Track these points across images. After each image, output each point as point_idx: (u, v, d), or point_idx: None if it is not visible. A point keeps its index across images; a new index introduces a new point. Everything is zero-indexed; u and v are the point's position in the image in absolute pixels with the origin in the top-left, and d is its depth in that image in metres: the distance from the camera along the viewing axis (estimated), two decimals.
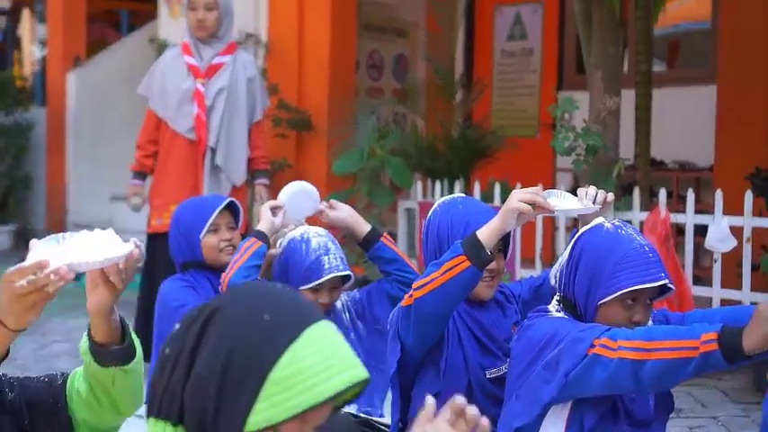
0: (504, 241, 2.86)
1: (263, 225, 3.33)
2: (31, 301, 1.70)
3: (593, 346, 2.30)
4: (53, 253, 1.70)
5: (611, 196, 2.73)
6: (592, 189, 2.71)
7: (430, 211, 3.00)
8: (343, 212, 3.41)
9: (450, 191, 6.19)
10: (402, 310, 2.66)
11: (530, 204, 2.51)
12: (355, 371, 1.35)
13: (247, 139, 5.27)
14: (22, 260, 1.71)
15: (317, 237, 3.29)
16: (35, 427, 1.94)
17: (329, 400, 1.31)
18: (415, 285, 2.61)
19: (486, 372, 2.90)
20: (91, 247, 1.74)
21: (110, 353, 1.88)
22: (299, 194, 3.48)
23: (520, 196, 2.53)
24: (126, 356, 1.89)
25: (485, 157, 6.93)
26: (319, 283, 3.24)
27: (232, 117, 5.18)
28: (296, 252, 3.28)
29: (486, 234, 2.54)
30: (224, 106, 5.14)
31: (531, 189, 2.59)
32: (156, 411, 1.36)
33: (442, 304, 2.59)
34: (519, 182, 5.73)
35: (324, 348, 1.33)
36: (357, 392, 1.41)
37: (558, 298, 2.58)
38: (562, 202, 2.66)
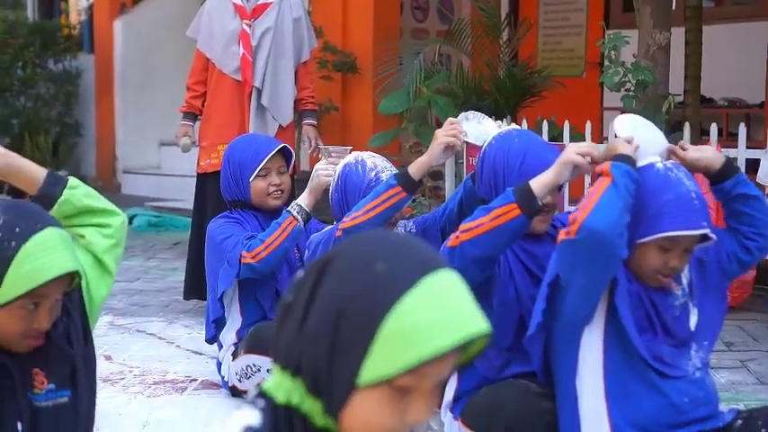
0: None
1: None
2: None
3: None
4: None
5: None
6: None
7: (485, 144, 3.00)
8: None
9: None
10: (446, 251, 2.68)
11: (585, 157, 2.56)
12: (474, 325, 1.26)
13: (294, 80, 5.27)
14: None
15: (371, 157, 3.35)
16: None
17: (446, 355, 1.24)
18: (462, 228, 2.64)
19: None
20: None
21: (39, 196, 2.24)
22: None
23: (576, 149, 2.57)
24: (53, 187, 2.28)
25: (531, 97, 6.88)
26: None
27: (278, 57, 5.18)
28: (352, 174, 3.31)
29: (540, 185, 2.58)
30: (270, 46, 5.14)
31: (586, 143, 2.63)
32: (280, 360, 1.32)
33: (488, 249, 2.61)
34: (566, 120, 5.72)
35: (441, 300, 1.25)
36: (484, 345, 1.33)
37: None
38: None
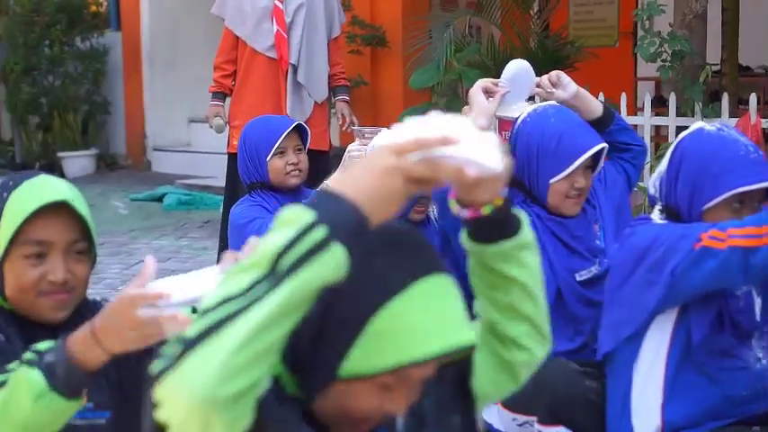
0: (595, 159, 2.82)
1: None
2: (147, 334, 1.61)
3: (699, 240, 2.26)
4: (170, 285, 1.58)
5: (555, 74, 2.97)
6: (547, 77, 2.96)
7: (518, 121, 2.94)
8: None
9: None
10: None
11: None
12: (459, 336, 1.24)
13: (327, 55, 5.24)
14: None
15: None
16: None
17: (427, 362, 1.23)
18: None
19: (577, 274, 2.89)
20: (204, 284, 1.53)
21: None
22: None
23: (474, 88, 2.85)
24: None
25: (563, 68, 6.75)
26: None
27: (312, 33, 5.16)
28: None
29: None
30: (303, 22, 5.11)
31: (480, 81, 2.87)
32: None
33: None
34: (601, 91, 5.61)
35: (430, 306, 1.24)
36: (468, 353, 1.33)
37: (660, 207, 2.53)
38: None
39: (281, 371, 1.28)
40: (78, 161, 10.10)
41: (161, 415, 1.13)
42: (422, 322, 1.22)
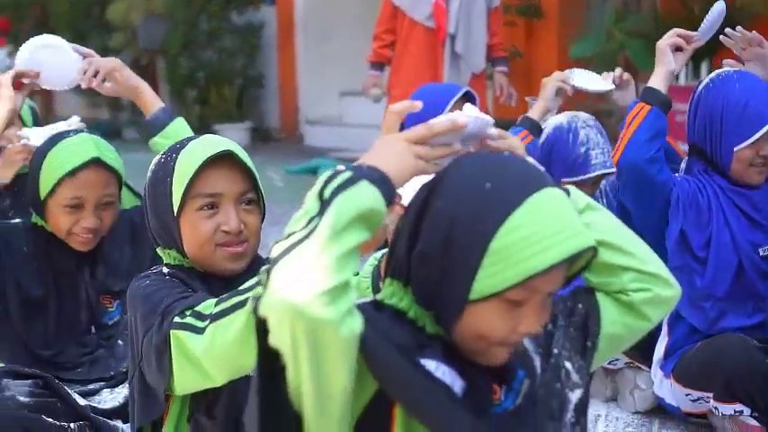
0: None
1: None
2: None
3: None
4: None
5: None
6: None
7: (700, 87, 2.85)
8: None
9: (696, 72, 5.91)
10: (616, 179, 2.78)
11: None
12: (578, 240, 1.30)
13: (486, 26, 5.19)
14: None
15: (585, 128, 3.20)
16: None
17: (551, 269, 1.28)
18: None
19: (760, 249, 2.79)
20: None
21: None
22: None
23: (664, 41, 2.81)
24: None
25: None
26: (584, 179, 3.16)
27: (471, 3, 5.13)
28: (562, 142, 3.19)
29: (657, 80, 2.76)
30: None
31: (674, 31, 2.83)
32: (393, 273, 1.40)
33: (636, 153, 2.68)
34: None
35: (545, 216, 1.30)
36: (591, 258, 1.39)
37: None
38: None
39: (417, 312, 1.37)
40: (233, 133, 10.30)
41: (272, 341, 1.21)
42: (539, 232, 1.28)
